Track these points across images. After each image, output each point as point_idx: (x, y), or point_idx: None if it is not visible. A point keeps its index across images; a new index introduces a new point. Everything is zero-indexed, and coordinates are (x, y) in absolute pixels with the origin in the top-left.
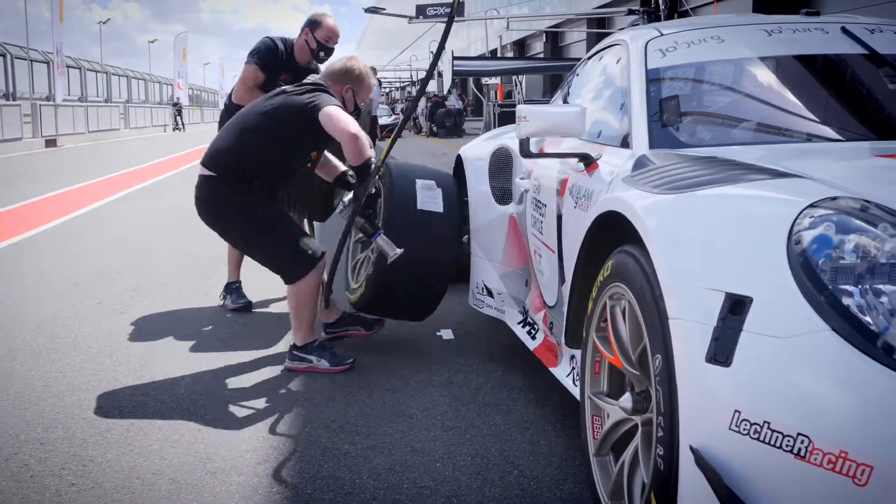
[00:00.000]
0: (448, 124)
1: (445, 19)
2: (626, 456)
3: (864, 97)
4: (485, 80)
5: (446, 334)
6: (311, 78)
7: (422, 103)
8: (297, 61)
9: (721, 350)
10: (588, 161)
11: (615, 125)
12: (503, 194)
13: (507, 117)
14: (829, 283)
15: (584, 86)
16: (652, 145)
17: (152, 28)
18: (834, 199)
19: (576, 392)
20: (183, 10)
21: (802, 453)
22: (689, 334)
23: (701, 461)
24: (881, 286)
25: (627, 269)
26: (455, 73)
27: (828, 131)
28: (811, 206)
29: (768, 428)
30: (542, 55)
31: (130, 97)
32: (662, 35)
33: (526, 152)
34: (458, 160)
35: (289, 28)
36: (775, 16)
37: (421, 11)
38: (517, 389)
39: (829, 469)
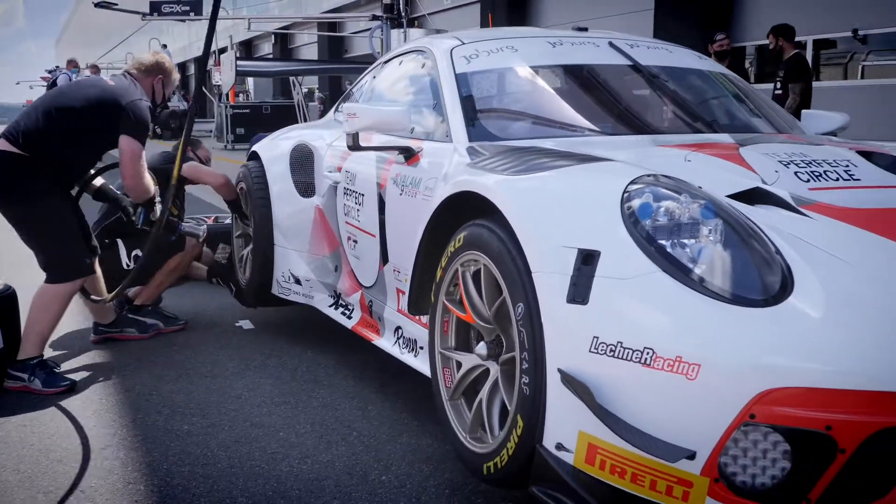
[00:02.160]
0: (174, 126)
1: (181, 16)
2: (483, 394)
3: (635, 99)
4: (215, 81)
5: (246, 324)
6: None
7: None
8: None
9: (579, 292)
10: (409, 154)
11: (429, 122)
12: (307, 187)
13: (239, 119)
14: (655, 236)
15: (388, 88)
16: (470, 139)
17: None
18: (649, 175)
19: (404, 358)
20: None
21: (648, 362)
22: (551, 283)
23: (569, 378)
24: (685, 239)
25: (483, 239)
26: (238, 73)
27: (613, 127)
28: (633, 181)
29: (622, 346)
30: (271, 56)
31: None
32: (464, 44)
33: (356, 146)
34: (254, 156)
35: None
36: (552, 30)
37: (156, 8)
38: (332, 367)
39: (668, 371)
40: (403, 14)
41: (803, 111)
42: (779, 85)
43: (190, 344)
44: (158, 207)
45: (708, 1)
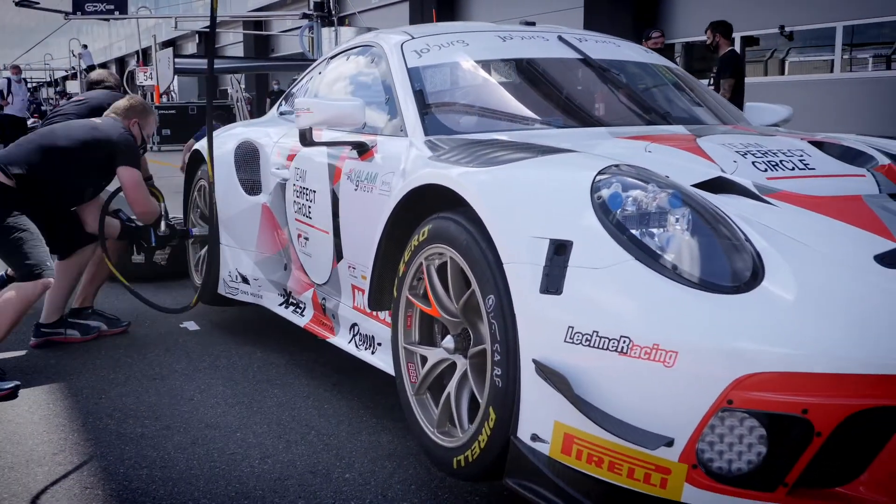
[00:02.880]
0: None
1: (106, 16)
2: (451, 388)
3: (588, 92)
4: (139, 82)
5: (191, 326)
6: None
7: None
8: None
9: (552, 283)
10: (364, 149)
11: (381, 117)
12: (252, 185)
13: (165, 121)
14: (626, 225)
15: (335, 83)
16: (427, 133)
17: None
18: (616, 165)
19: (360, 355)
20: None
21: (625, 350)
22: (523, 274)
23: (545, 369)
24: (655, 228)
25: (449, 232)
26: (177, 72)
27: (569, 119)
28: (600, 172)
29: (597, 336)
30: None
31: None
32: (414, 38)
33: (309, 141)
34: (197, 155)
35: None
36: (501, 25)
37: (79, 7)
38: (283, 366)
39: (645, 359)
40: (333, 12)
41: (748, 104)
42: (712, 80)
43: (135, 346)
44: (163, 222)
45: None
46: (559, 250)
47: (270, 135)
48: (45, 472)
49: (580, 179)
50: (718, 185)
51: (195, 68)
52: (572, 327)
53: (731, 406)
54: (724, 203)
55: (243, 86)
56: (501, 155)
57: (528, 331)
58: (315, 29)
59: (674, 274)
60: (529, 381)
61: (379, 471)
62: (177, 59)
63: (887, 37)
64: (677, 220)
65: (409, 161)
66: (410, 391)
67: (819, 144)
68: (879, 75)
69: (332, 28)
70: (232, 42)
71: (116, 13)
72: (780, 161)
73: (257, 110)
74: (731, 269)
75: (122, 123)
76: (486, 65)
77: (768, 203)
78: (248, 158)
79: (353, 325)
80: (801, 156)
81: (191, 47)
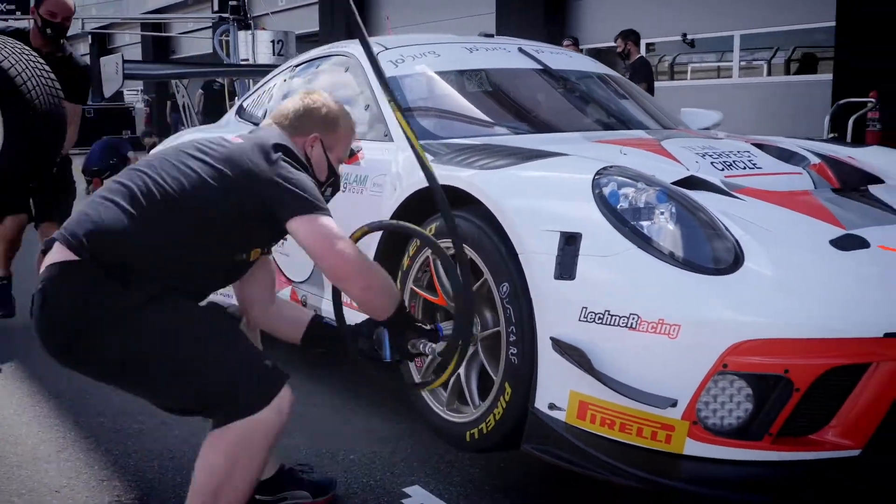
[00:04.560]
0: None
1: (5, 16)
2: (461, 370)
3: (556, 100)
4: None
5: None
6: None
7: None
8: (38, 48)
9: (565, 270)
10: (349, 153)
11: (361, 123)
12: None
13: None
14: (627, 218)
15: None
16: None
17: None
18: (609, 167)
19: None
20: None
21: (634, 325)
22: (538, 263)
23: (563, 345)
24: (645, 221)
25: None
26: (127, 76)
27: (544, 125)
28: (598, 172)
29: (608, 314)
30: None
31: None
32: (388, 49)
33: None
34: None
35: None
36: (465, 37)
37: None
38: None
39: (652, 332)
40: (248, 15)
41: (684, 109)
42: None
43: None
44: None
45: (547, 5)
46: (569, 241)
47: None
48: (56, 469)
49: (581, 178)
50: (693, 183)
51: (145, 73)
52: (586, 307)
53: (726, 369)
54: (701, 198)
55: (140, 90)
56: (498, 159)
57: (544, 312)
58: (231, 31)
59: (671, 259)
60: (546, 357)
61: (380, 451)
62: (126, 64)
63: (781, 44)
64: (665, 213)
65: (400, 165)
66: (417, 376)
67: (760, 146)
68: (775, 80)
69: (249, 31)
70: (129, 43)
71: (18, 13)
72: (734, 161)
73: (157, 114)
74: (717, 253)
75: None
76: (459, 74)
77: (737, 198)
78: None
79: None
80: (749, 156)
81: (83, 47)
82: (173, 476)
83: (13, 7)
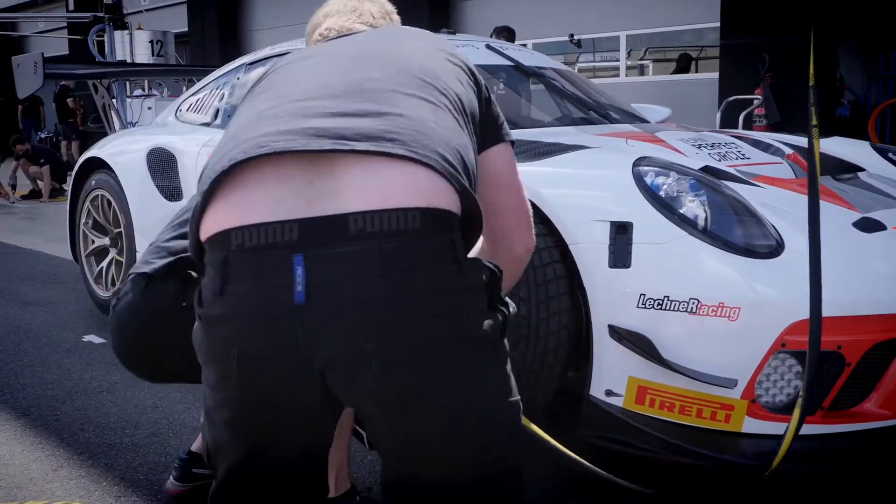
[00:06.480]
0: None
1: None
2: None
3: (542, 95)
4: None
5: (95, 339)
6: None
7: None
8: None
9: (619, 258)
10: None
11: None
12: (172, 192)
13: None
14: (673, 206)
15: None
16: None
17: None
18: (643, 157)
19: None
20: None
21: (695, 310)
22: (590, 252)
23: (621, 331)
24: (684, 208)
25: None
26: (48, 76)
27: (543, 119)
28: (635, 163)
29: (668, 300)
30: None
31: None
32: None
33: None
34: (92, 163)
35: None
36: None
37: None
38: None
39: (713, 316)
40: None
41: (635, 105)
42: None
43: (48, 365)
44: None
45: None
46: (620, 230)
47: (191, 140)
48: (62, 488)
49: (621, 169)
50: (712, 172)
51: (68, 72)
52: (644, 294)
53: (785, 348)
54: (727, 186)
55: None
56: (526, 154)
57: (602, 300)
58: (107, 31)
59: (722, 244)
60: (602, 344)
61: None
62: (47, 64)
63: (667, 44)
64: (701, 200)
65: None
66: None
67: (738, 137)
68: (662, 79)
69: (126, 31)
70: None
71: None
72: (725, 152)
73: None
74: (761, 239)
75: None
76: None
77: (757, 185)
78: (163, 164)
79: None
80: (736, 147)
81: None
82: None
83: None
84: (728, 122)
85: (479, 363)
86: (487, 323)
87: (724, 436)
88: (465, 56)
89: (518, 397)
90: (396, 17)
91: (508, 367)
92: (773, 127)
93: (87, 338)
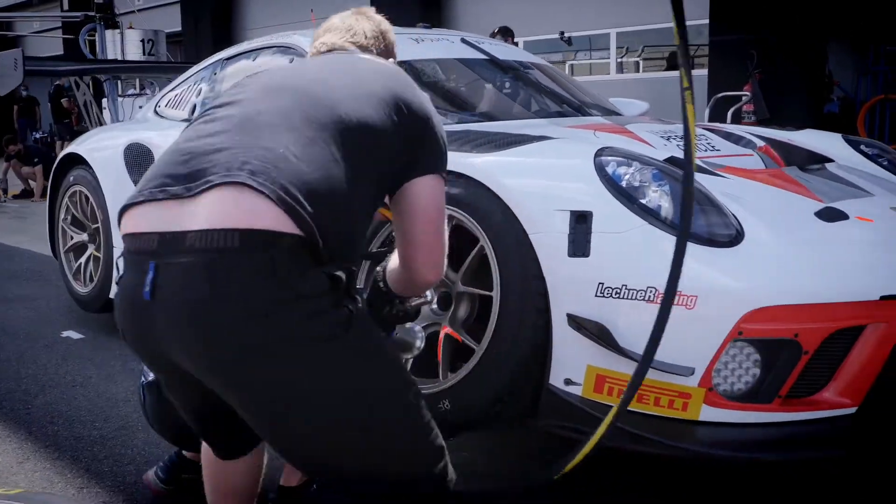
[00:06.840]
0: None
1: None
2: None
3: (513, 88)
4: None
5: (74, 335)
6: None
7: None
8: None
9: (578, 247)
10: None
11: None
12: None
13: None
14: (633, 196)
15: None
16: None
17: None
18: (605, 148)
19: None
20: None
21: (652, 298)
22: (550, 242)
23: (579, 320)
24: (645, 198)
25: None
26: (28, 73)
27: (512, 111)
28: (596, 154)
29: (626, 288)
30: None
31: None
32: None
33: None
34: (71, 159)
35: None
36: (408, 28)
37: None
38: None
39: None
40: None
41: (612, 99)
42: None
43: (25, 358)
44: None
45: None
46: (580, 220)
47: (168, 137)
48: (25, 480)
49: (583, 159)
50: (675, 163)
51: (50, 69)
52: (602, 283)
53: (742, 336)
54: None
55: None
56: (485, 144)
57: (560, 290)
58: (98, 30)
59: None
60: (561, 333)
61: None
62: (27, 60)
63: (656, 41)
64: (662, 190)
65: None
66: None
67: (710, 130)
68: (651, 77)
69: (117, 30)
70: None
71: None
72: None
73: None
74: (721, 228)
75: None
76: (411, 65)
77: (721, 176)
78: (141, 161)
79: None
80: (706, 139)
81: None
82: None
83: None
84: (717, 118)
85: (310, 359)
86: (324, 323)
87: (682, 424)
88: (413, 95)
89: (400, 383)
90: (391, 38)
91: (373, 355)
92: (761, 123)
93: (65, 333)
